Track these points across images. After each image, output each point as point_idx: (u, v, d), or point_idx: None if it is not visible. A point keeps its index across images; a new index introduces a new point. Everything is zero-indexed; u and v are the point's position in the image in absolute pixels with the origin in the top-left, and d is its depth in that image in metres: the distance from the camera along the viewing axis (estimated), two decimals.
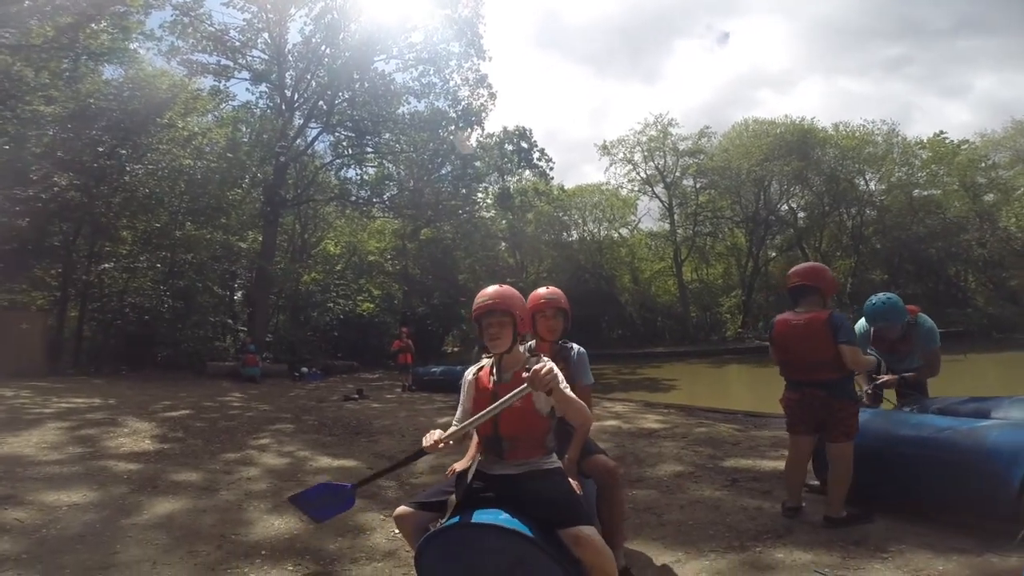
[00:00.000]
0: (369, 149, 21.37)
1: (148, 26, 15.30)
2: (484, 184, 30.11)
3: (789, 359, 3.18)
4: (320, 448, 5.58)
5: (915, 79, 69.89)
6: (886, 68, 72.72)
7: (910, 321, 3.80)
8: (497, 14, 61.48)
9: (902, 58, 74.30)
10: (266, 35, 18.44)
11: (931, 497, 3.01)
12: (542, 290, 2.77)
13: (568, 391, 1.85)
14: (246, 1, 17.25)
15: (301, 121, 19.25)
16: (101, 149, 13.81)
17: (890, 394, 3.90)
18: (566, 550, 1.74)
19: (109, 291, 15.56)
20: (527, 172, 35.19)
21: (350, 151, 21.50)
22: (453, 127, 21.19)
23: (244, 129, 20.24)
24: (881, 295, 3.76)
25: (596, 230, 35.56)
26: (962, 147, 29.68)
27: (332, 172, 23.63)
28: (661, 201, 34.33)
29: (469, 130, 21.44)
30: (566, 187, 36.03)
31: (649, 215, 35.68)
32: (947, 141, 30.20)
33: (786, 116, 32.20)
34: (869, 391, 3.82)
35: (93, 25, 12.35)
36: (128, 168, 14.73)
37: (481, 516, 1.76)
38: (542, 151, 35.23)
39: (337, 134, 20.94)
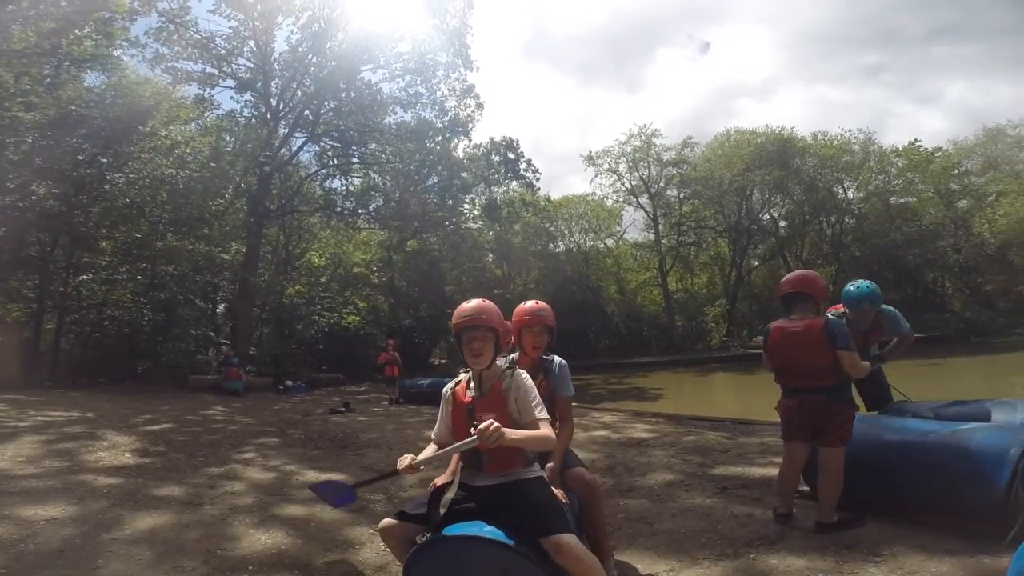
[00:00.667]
0: (355, 159, 21.26)
1: (133, 33, 15.21)
2: (471, 195, 30.14)
3: (786, 366, 3.21)
4: (306, 462, 5.48)
5: (891, 86, 72.09)
6: (864, 75, 74.89)
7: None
8: (485, 25, 62.34)
9: (879, 65, 76.65)
10: (252, 43, 18.33)
11: (918, 501, 3.03)
12: (530, 304, 2.70)
13: (516, 434, 1.86)
14: (233, 9, 17.12)
15: (286, 130, 19.06)
16: (81, 157, 13.57)
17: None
18: (550, 559, 1.74)
19: (88, 303, 15.21)
20: (514, 183, 35.35)
21: (335, 161, 21.41)
22: (440, 137, 21.19)
23: (228, 138, 20.07)
24: (856, 281, 3.87)
25: (582, 241, 35.76)
26: (936, 155, 30.45)
27: (317, 182, 23.50)
28: (646, 211, 34.69)
29: (456, 141, 21.50)
30: (552, 198, 36.25)
31: (634, 226, 36.04)
32: (921, 149, 31.04)
33: (766, 126, 32.94)
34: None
35: (77, 31, 12.21)
36: (109, 177, 14.45)
37: (465, 528, 1.76)
38: (529, 162, 35.55)
39: (322, 144, 20.82)
